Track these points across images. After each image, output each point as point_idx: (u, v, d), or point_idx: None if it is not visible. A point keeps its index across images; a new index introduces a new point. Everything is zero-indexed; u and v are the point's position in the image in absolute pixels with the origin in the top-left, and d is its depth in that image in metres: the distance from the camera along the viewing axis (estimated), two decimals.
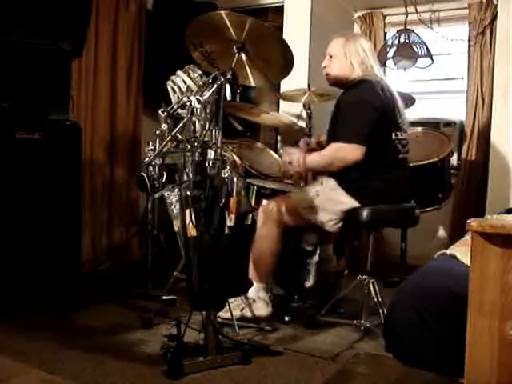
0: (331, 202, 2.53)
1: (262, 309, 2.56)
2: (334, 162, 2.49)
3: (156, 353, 2.22)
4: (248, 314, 2.56)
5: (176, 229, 2.22)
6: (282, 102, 4.05)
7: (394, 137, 2.54)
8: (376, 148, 2.46)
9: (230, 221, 2.15)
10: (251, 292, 2.56)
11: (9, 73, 2.68)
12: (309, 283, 2.91)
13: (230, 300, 2.49)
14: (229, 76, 2.22)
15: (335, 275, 2.86)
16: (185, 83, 2.32)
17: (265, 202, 2.82)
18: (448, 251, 1.92)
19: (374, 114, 2.46)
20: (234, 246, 2.20)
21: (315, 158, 2.58)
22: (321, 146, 2.95)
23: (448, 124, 3.97)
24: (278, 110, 4.06)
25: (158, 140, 2.30)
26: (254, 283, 2.57)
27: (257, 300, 2.57)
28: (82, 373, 2.03)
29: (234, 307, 2.52)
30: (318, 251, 2.93)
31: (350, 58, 2.59)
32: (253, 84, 2.89)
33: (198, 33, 2.64)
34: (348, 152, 2.44)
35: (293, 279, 2.94)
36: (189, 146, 2.14)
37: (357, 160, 2.43)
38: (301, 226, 2.70)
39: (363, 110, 2.48)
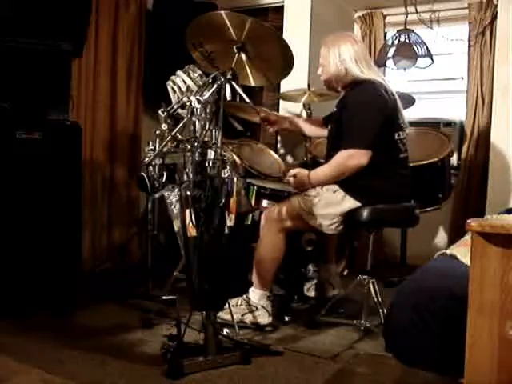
0: (333, 204, 2.52)
1: (262, 317, 2.56)
2: (346, 169, 2.47)
3: (156, 353, 2.22)
4: (248, 320, 2.56)
5: (176, 229, 2.22)
6: (282, 102, 4.05)
7: (396, 137, 2.54)
8: (379, 148, 2.46)
9: (230, 221, 2.15)
10: (254, 298, 2.57)
11: (9, 73, 2.68)
12: (309, 293, 2.93)
13: (233, 303, 2.50)
14: (229, 76, 2.22)
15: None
16: (185, 83, 2.32)
17: (265, 203, 2.82)
18: (448, 251, 1.93)
19: (379, 116, 2.46)
20: (234, 246, 2.20)
21: (322, 172, 2.55)
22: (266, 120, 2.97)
23: (448, 124, 3.97)
24: (278, 110, 4.06)
25: (158, 140, 2.30)
26: (257, 290, 2.58)
27: (259, 308, 2.56)
28: (81, 373, 2.04)
29: (236, 311, 2.52)
30: (320, 269, 2.95)
31: (332, 67, 2.58)
32: (253, 84, 2.89)
33: (197, 33, 2.64)
34: (360, 159, 2.43)
35: (293, 280, 2.94)
36: (189, 146, 2.14)
37: (364, 165, 2.43)
38: (303, 230, 2.70)
39: (370, 112, 2.47)
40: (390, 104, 2.51)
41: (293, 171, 2.62)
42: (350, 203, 2.50)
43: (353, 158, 2.44)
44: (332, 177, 2.52)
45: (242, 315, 2.56)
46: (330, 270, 2.96)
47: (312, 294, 2.94)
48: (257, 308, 2.56)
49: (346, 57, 2.55)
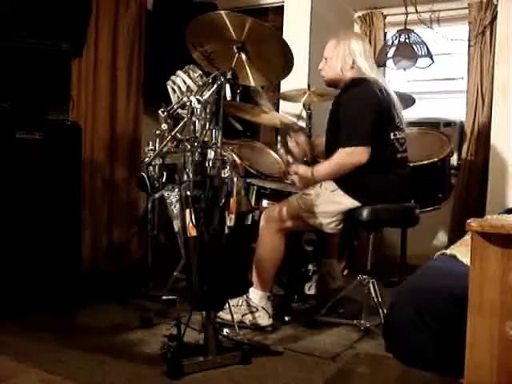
0: (331, 203, 2.52)
1: (262, 318, 2.56)
2: (346, 167, 2.46)
3: (156, 353, 2.22)
4: (248, 320, 2.56)
5: (176, 229, 2.22)
6: (282, 102, 4.05)
7: (392, 136, 2.54)
8: (375, 147, 2.46)
9: (230, 221, 2.15)
10: (254, 299, 2.57)
11: (9, 73, 2.68)
12: (310, 291, 2.93)
13: (233, 304, 2.50)
14: (229, 76, 2.22)
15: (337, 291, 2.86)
16: (185, 83, 2.32)
17: (265, 203, 2.82)
18: (448, 251, 1.92)
19: (372, 113, 2.46)
20: (234, 246, 2.20)
21: (321, 169, 2.55)
22: (313, 149, 2.96)
23: (448, 124, 3.97)
24: (278, 110, 4.06)
25: (157, 140, 2.30)
26: (258, 291, 2.57)
27: (259, 309, 2.57)
28: (81, 373, 2.04)
29: (236, 311, 2.52)
30: (321, 264, 2.94)
31: (340, 60, 2.60)
32: (253, 84, 2.89)
33: (197, 33, 2.63)
34: (360, 156, 2.42)
35: (293, 280, 2.94)
36: (189, 146, 2.15)
37: (365, 162, 2.43)
38: (302, 230, 2.70)
39: (363, 109, 2.48)
40: (384, 103, 2.51)
41: (294, 168, 2.63)
42: (349, 202, 2.50)
43: (352, 155, 2.44)
44: (332, 175, 2.52)
45: (242, 316, 2.56)
46: (332, 263, 2.96)
47: (313, 291, 2.93)
48: (257, 309, 2.56)
49: (356, 50, 2.60)
